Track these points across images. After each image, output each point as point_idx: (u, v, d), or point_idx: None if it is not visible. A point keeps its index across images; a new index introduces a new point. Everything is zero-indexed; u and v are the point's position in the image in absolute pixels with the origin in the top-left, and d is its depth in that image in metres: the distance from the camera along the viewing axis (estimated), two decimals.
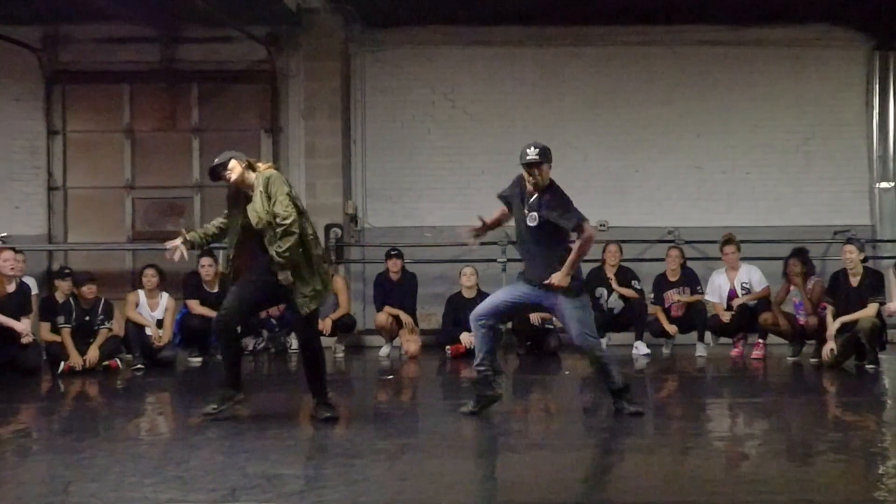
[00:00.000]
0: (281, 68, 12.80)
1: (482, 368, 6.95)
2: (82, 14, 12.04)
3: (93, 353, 9.61)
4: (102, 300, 9.93)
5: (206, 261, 10.70)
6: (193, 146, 12.97)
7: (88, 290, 9.79)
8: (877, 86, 12.60)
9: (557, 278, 6.64)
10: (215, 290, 10.65)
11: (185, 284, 10.84)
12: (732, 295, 10.64)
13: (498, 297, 7.08)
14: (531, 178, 6.75)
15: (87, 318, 9.76)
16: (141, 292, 10.32)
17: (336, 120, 12.48)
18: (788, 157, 12.74)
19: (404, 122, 12.86)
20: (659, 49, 12.75)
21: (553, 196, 6.77)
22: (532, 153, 6.73)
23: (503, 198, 7.08)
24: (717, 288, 10.76)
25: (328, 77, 12.47)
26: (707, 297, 10.84)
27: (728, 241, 10.77)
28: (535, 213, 6.76)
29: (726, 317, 10.52)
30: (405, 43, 12.83)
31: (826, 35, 12.67)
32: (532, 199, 6.80)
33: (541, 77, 12.80)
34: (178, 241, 6.87)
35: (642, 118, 12.68)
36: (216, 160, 6.78)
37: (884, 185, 12.61)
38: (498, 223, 7.23)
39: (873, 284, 9.61)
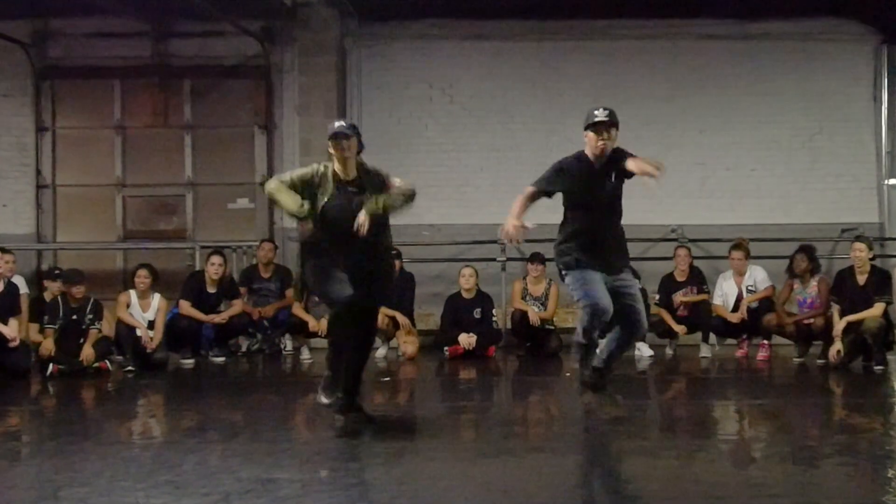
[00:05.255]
0: (275, 63, 12.79)
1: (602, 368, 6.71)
2: (72, 8, 12.04)
3: (87, 351, 9.59)
4: (91, 300, 9.90)
5: (216, 259, 10.72)
6: (185, 143, 12.97)
7: (77, 290, 9.77)
8: (885, 80, 12.58)
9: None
10: (214, 290, 10.69)
11: (185, 284, 10.86)
12: (740, 299, 10.61)
13: (599, 287, 6.40)
14: (601, 142, 6.43)
15: (75, 317, 9.74)
16: (132, 293, 10.28)
17: (331, 116, 12.39)
18: (794, 154, 12.74)
19: (401, 118, 12.85)
20: (661, 43, 12.74)
21: (622, 153, 6.53)
22: (601, 114, 6.41)
23: (547, 192, 6.55)
24: (724, 294, 10.71)
25: (323, 72, 12.46)
26: (713, 301, 10.79)
27: (737, 246, 10.74)
28: (612, 177, 6.46)
29: (735, 318, 10.49)
30: (402, 37, 12.82)
31: (833, 29, 12.66)
32: (603, 165, 6.49)
33: (540, 72, 12.79)
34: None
35: (644, 114, 12.63)
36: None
37: (892, 181, 12.61)
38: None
39: (880, 283, 9.60)
